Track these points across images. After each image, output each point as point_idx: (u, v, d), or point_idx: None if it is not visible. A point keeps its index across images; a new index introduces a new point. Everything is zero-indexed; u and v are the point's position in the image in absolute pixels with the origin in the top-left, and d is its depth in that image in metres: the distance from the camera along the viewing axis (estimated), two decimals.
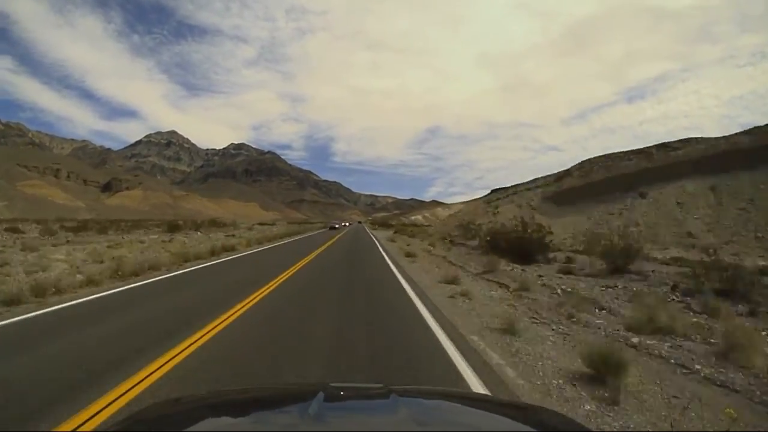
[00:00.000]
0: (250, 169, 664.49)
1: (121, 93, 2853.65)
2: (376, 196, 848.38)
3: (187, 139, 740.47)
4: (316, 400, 1.14)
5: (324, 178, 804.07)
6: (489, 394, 3.33)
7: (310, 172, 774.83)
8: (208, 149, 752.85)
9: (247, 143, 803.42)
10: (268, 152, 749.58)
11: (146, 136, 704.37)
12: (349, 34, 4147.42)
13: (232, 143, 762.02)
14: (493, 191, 72.85)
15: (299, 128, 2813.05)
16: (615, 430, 2.97)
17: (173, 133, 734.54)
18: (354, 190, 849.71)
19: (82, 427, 2.73)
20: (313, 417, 1.04)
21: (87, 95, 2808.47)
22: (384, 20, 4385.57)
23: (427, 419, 1.19)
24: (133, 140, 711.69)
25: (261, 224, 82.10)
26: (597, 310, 7.05)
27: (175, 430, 1.10)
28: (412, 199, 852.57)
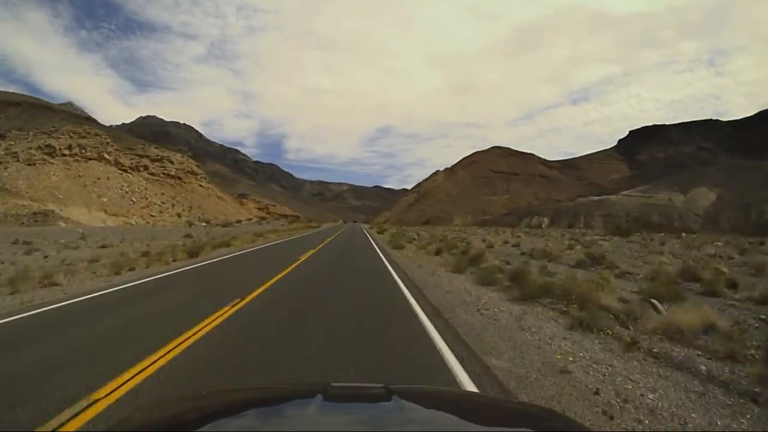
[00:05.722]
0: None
1: (67, 88, 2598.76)
2: (327, 183, 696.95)
3: (81, 110, 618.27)
4: (316, 400, 1.14)
5: (257, 159, 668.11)
6: (490, 395, 3.23)
7: (237, 150, 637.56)
8: (111, 125, 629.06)
9: (157, 115, 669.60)
10: (184, 125, 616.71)
11: None
12: (300, 33, 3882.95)
13: (140, 116, 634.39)
14: None
15: (251, 124, 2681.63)
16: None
17: (68, 104, 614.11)
18: (296, 175, 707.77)
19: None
20: (313, 417, 1.05)
21: (33, 90, 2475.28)
22: (335, 21, 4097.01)
23: (428, 420, 1.19)
24: None
25: None
26: None
27: (175, 431, 1.09)
28: (377, 186, 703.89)
